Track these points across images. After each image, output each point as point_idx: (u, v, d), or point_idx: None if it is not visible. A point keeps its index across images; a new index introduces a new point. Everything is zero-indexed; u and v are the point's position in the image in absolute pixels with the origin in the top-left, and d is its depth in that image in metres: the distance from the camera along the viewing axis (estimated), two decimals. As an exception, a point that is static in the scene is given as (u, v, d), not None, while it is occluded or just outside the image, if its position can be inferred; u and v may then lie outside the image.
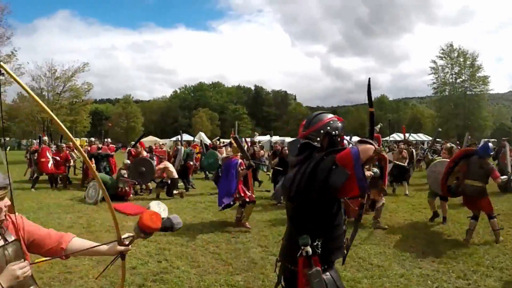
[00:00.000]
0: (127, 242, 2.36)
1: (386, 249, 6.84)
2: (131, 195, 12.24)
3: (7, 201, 2.08)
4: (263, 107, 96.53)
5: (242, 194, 8.25)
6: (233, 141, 9.87)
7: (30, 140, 27.15)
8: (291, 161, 2.87)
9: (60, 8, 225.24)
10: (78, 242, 2.37)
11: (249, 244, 7.01)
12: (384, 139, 31.53)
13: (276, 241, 7.00)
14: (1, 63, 1.81)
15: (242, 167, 8.34)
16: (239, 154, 8.60)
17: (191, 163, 15.13)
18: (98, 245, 2.35)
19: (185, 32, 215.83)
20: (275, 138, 31.23)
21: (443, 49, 57.56)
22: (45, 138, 17.94)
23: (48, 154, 14.04)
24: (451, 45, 57.59)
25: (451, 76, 58.07)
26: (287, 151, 11.57)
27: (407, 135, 20.03)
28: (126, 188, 12.00)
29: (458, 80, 57.72)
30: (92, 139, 14.72)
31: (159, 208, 2.46)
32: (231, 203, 8.36)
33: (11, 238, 2.10)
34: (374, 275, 5.54)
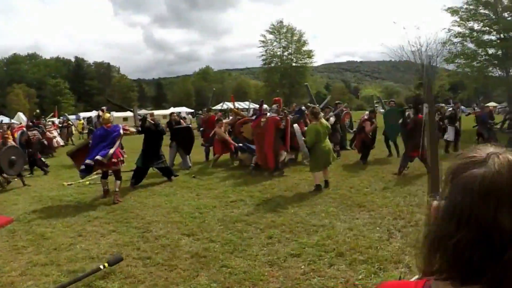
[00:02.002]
0: None
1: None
2: None
3: None
4: (85, 81, 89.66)
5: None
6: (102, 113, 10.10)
7: None
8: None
9: None
10: None
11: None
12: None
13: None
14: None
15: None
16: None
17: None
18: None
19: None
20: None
21: (273, 25, 61.80)
22: None
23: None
24: (281, 22, 63.20)
25: (279, 49, 62.22)
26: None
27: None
28: None
29: (285, 53, 62.23)
30: None
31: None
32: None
33: None
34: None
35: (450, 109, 13.65)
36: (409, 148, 9.78)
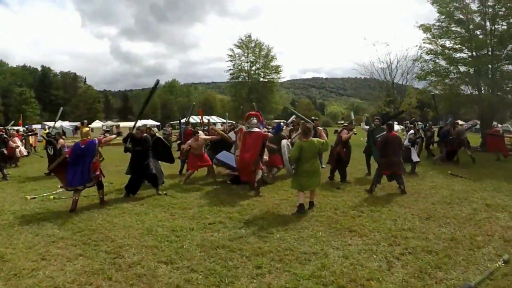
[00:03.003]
0: None
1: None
2: None
3: None
4: (50, 90, 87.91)
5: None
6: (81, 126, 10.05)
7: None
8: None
9: None
10: None
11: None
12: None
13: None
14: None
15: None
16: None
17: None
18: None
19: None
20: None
21: (241, 39, 61.58)
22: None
23: None
24: (250, 36, 62.00)
25: (246, 64, 62.18)
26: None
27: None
28: None
29: (253, 68, 62.33)
30: None
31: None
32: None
33: None
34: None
35: (412, 132, 13.61)
36: (381, 165, 9.64)
